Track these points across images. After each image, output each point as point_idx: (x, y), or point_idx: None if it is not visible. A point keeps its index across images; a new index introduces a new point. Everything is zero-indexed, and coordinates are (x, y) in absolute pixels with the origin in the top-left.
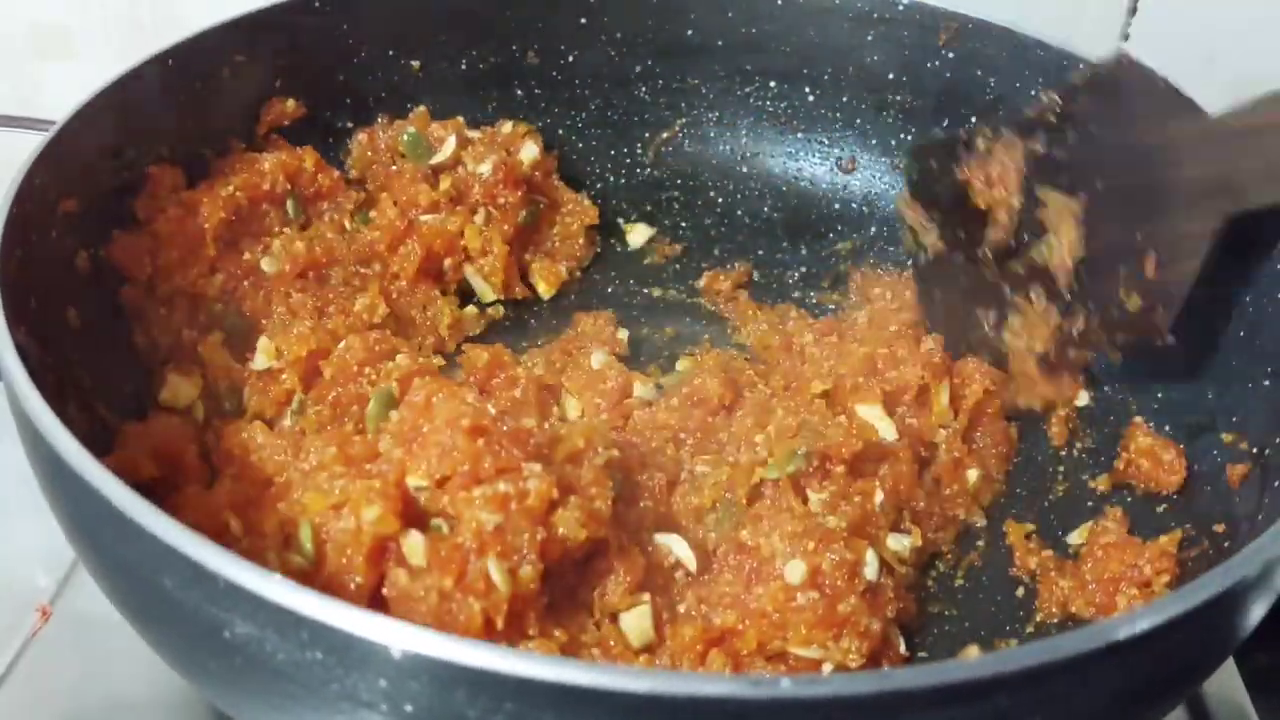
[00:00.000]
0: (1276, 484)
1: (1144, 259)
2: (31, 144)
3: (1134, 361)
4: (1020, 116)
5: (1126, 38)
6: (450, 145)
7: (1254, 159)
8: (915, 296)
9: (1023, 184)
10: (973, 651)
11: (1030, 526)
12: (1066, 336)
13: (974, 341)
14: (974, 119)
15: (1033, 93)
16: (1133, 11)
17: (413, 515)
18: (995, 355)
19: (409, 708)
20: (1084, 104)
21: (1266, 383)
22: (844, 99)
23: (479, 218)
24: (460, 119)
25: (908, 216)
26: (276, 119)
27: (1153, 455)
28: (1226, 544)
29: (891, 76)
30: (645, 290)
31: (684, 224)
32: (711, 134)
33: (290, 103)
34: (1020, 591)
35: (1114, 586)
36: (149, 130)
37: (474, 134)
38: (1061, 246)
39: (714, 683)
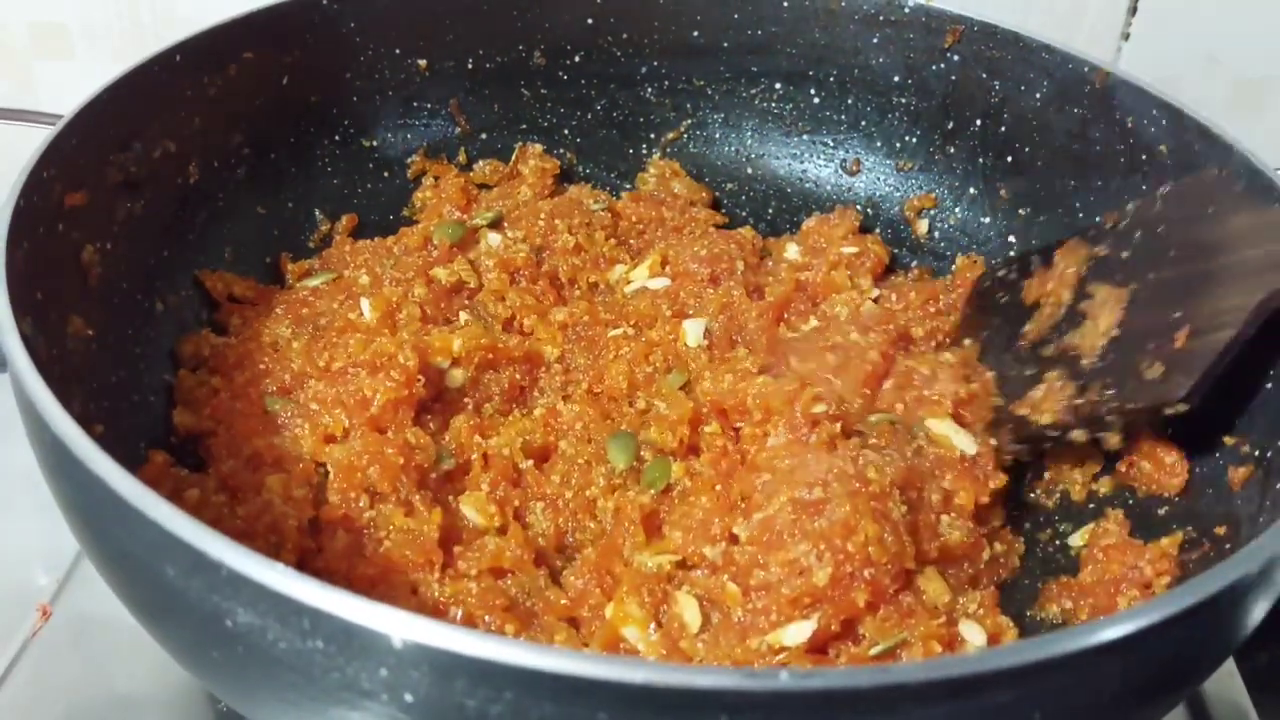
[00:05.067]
0: (1278, 486)
1: (1176, 333)
2: (35, 138)
3: None
4: (1093, 227)
5: (1127, 37)
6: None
7: None
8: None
9: (1078, 284)
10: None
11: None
12: (1075, 410)
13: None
14: (979, 121)
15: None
16: (1133, 11)
17: None
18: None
19: (409, 697)
20: (1160, 210)
21: (1269, 385)
22: (849, 101)
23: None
24: None
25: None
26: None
27: (1155, 457)
28: (1228, 546)
29: (897, 79)
30: None
31: None
32: (717, 135)
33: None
34: (1021, 593)
35: (1115, 588)
36: (156, 125)
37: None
38: (1097, 330)
39: (711, 674)
